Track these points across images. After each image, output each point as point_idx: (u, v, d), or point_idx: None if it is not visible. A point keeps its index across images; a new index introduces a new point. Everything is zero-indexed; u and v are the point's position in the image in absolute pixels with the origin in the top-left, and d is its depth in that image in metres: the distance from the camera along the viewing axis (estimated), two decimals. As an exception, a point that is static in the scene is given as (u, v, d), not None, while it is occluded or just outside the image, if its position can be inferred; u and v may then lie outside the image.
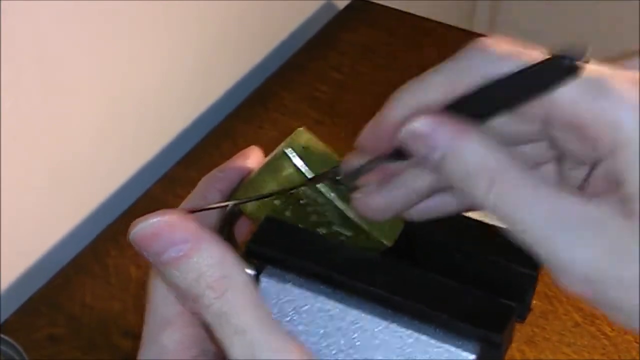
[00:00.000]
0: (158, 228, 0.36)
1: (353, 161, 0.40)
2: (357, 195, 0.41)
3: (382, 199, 0.40)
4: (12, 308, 0.84)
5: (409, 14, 1.17)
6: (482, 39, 0.36)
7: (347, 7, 1.20)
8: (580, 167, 0.37)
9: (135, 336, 0.82)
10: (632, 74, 0.34)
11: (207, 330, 0.38)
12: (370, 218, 0.40)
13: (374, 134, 0.39)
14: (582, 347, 0.79)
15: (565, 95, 0.34)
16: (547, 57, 0.33)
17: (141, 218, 0.37)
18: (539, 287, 0.40)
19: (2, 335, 0.75)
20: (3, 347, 0.74)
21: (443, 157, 0.35)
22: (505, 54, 0.35)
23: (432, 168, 0.36)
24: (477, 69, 0.35)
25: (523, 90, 0.34)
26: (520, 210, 0.34)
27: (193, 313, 0.37)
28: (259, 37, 1.11)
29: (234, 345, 0.36)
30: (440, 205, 0.40)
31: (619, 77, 0.33)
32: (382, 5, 1.19)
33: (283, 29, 1.15)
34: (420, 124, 0.36)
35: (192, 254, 0.36)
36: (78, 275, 0.87)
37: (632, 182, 0.33)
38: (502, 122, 0.36)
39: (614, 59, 0.36)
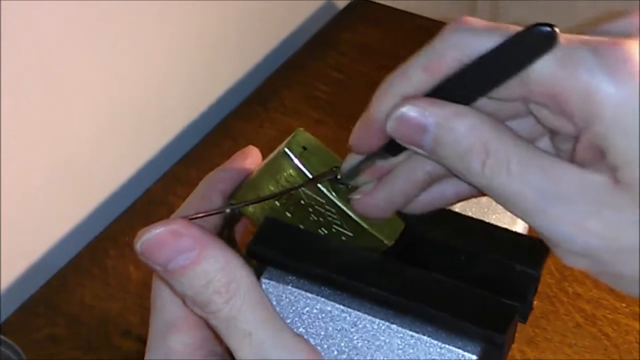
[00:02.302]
0: (163, 238, 0.36)
1: (351, 160, 0.40)
2: (356, 196, 0.40)
3: (381, 197, 0.39)
4: (11, 308, 0.84)
5: (409, 13, 1.17)
6: (460, 18, 0.35)
7: (347, 7, 1.20)
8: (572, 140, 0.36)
9: (134, 336, 0.81)
10: (602, 40, 0.33)
11: (215, 332, 0.38)
12: (372, 217, 0.40)
13: (364, 132, 0.38)
14: (583, 348, 0.79)
15: (540, 68, 0.33)
16: (526, 27, 0.33)
17: (144, 229, 0.37)
18: (540, 288, 0.40)
19: (1, 336, 0.75)
20: (2, 348, 0.74)
21: (436, 137, 0.35)
22: (485, 28, 0.34)
23: (426, 153, 0.35)
24: (458, 46, 0.35)
25: (504, 65, 0.34)
26: (517, 181, 0.34)
27: (201, 317, 0.37)
28: (259, 37, 1.11)
29: (243, 348, 0.36)
30: (439, 195, 0.39)
31: (590, 45, 0.33)
32: (382, 5, 1.19)
33: (283, 28, 1.15)
34: (407, 109, 0.35)
35: (199, 261, 0.36)
36: (77, 275, 0.87)
37: (614, 151, 0.32)
38: (483, 104, 0.36)
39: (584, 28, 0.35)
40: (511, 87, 0.34)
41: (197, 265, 0.36)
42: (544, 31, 0.32)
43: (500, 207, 0.43)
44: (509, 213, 0.46)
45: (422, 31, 1.14)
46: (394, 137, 0.36)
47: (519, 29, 0.33)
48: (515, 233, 0.42)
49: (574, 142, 0.35)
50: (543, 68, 0.33)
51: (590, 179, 0.33)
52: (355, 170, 0.40)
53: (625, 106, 0.32)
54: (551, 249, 0.35)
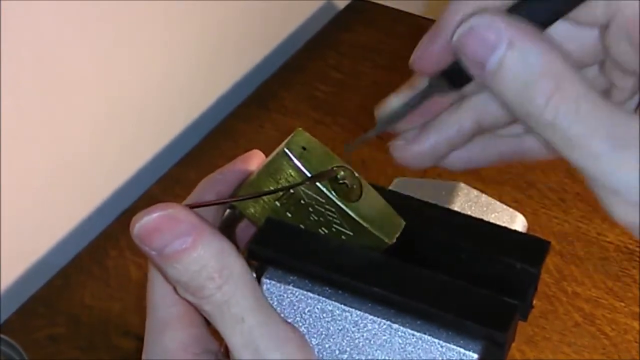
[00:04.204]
0: (160, 222, 0.36)
1: (392, 103, 0.38)
2: (398, 142, 0.39)
3: (428, 143, 0.38)
4: (12, 308, 0.84)
5: (409, 14, 1.17)
6: None
7: (347, 7, 1.20)
8: (631, 100, 0.34)
9: (134, 336, 0.82)
10: None
11: (209, 324, 0.38)
12: (412, 166, 0.39)
13: (429, 45, 0.35)
14: (582, 347, 0.79)
15: None
16: None
17: (142, 212, 0.36)
18: (539, 287, 0.40)
19: (2, 336, 0.75)
20: (3, 347, 0.74)
21: (504, 58, 0.32)
22: None
23: (486, 77, 0.32)
24: None
25: None
26: (585, 121, 0.31)
27: (193, 304, 0.37)
28: (259, 37, 1.11)
29: (234, 334, 0.36)
30: (480, 151, 0.38)
31: None
32: (382, 5, 1.19)
33: (283, 29, 1.15)
34: (481, 20, 0.32)
35: (194, 247, 0.36)
36: (78, 275, 0.87)
37: None
38: (559, 31, 0.33)
39: None
40: (597, 7, 0.32)
41: (192, 251, 0.36)
42: None
43: (499, 205, 0.43)
44: (508, 211, 0.46)
45: (422, 31, 1.14)
46: (458, 51, 0.33)
47: None
48: (515, 231, 0.42)
49: None
50: None
51: None
52: (397, 114, 0.37)
53: None
54: (602, 200, 0.32)
